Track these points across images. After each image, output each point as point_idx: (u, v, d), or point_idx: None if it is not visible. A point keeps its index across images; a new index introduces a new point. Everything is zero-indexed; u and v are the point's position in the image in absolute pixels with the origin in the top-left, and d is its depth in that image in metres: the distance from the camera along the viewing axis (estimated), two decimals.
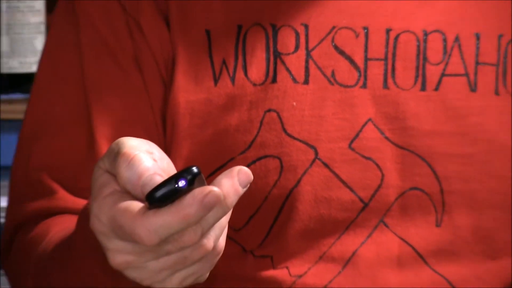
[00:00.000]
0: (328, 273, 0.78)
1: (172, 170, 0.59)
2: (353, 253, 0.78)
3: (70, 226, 0.72)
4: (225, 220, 0.60)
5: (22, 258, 0.81)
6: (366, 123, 0.79)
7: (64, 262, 0.72)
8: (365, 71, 0.80)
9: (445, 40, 0.81)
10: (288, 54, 0.79)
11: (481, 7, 0.83)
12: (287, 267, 0.77)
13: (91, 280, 0.69)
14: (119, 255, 0.60)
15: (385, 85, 0.80)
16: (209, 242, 0.60)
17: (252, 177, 0.58)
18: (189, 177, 0.56)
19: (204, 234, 0.58)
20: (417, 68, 0.80)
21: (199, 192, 0.56)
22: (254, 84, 0.79)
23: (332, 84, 0.79)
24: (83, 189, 0.79)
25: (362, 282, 0.78)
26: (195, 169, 0.55)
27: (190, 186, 0.56)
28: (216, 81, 0.80)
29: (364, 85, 0.80)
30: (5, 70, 1.38)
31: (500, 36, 0.82)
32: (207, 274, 0.64)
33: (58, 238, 0.74)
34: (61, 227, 0.76)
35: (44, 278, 0.76)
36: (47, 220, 0.79)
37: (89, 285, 0.70)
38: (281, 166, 0.78)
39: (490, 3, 0.84)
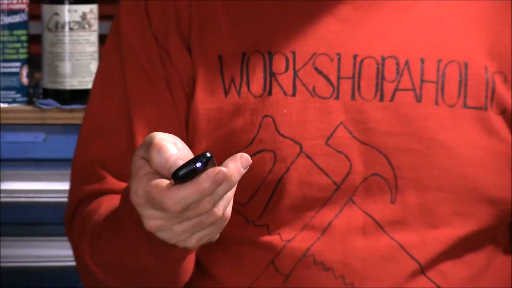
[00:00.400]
0: (310, 239, 0.76)
1: (191, 157, 0.59)
2: (329, 224, 0.77)
3: (115, 202, 0.72)
4: (231, 193, 0.61)
5: (80, 227, 0.79)
6: (338, 125, 0.77)
7: (111, 229, 0.72)
8: (338, 86, 0.78)
9: (397, 64, 0.78)
10: (280, 73, 0.78)
11: (426, 38, 0.79)
12: (279, 234, 0.76)
13: (131, 241, 0.68)
14: (152, 220, 0.61)
15: (353, 97, 0.78)
16: (219, 210, 0.60)
17: (250, 161, 0.58)
18: (204, 160, 0.57)
19: (215, 203, 0.59)
20: (377, 84, 0.78)
21: (211, 171, 0.56)
22: (255, 96, 0.78)
23: (313, 96, 0.77)
24: (125, 176, 0.72)
25: (335, 246, 0.76)
26: (208, 154, 0.55)
27: (205, 166, 0.56)
28: (226, 94, 0.78)
29: (337, 97, 0.78)
30: (68, 87, 1.36)
31: (439, 61, 0.79)
32: (218, 236, 0.64)
33: (107, 211, 0.74)
34: (109, 203, 0.76)
35: (96, 242, 0.76)
36: (99, 199, 0.78)
37: (129, 245, 0.70)
38: (275, 158, 0.76)
39: (432, 35, 0.80)
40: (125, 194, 0.66)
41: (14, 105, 1.39)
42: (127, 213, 0.65)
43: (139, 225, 0.63)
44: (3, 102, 1.38)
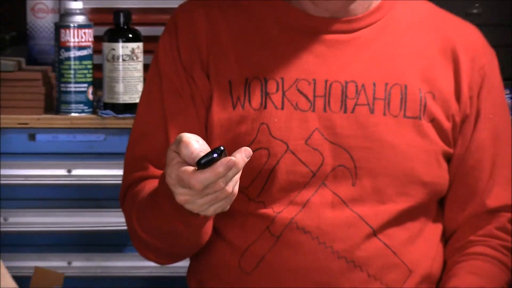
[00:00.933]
0: (294, 211, 0.76)
1: (209, 150, 0.61)
2: (307, 200, 0.76)
3: (155, 184, 0.73)
4: (237, 177, 0.62)
5: (130, 203, 0.79)
6: (314, 130, 0.77)
7: (152, 204, 0.73)
8: (314, 102, 0.77)
9: (356, 86, 0.78)
10: (273, 93, 0.77)
11: (376, 67, 0.79)
12: (272, 208, 0.75)
13: (166, 212, 0.70)
14: (181, 196, 0.63)
15: (324, 110, 0.77)
16: (229, 188, 0.61)
17: (251, 152, 0.61)
18: (219, 151, 0.58)
19: (227, 183, 0.60)
20: (342, 101, 0.77)
21: (224, 160, 0.58)
22: (254, 110, 0.77)
23: (296, 110, 0.77)
24: (162, 166, 0.71)
25: (312, 216, 0.76)
26: (222, 147, 0.58)
27: (219, 156, 0.58)
28: (234, 108, 0.78)
29: (313, 110, 0.77)
30: (121, 101, 1.36)
31: (386, 84, 0.78)
32: (228, 207, 0.66)
33: (149, 191, 0.74)
34: (150, 185, 0.75)
35: (142, 213, 0.76)
36: (143, 182, 0.78)
37: (165, 215, 0.71)
38: (269, 154, 0.76)
39: (381, 65, 0.80)
40: (162, 178, 0.67)
41: (83, 114, 1.36)
42: (163, 192, 0.66)
43: (172, 199, 0.64)
44: (75, 112, 1.36)
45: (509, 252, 0.80)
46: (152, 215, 0.73)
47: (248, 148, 0.62)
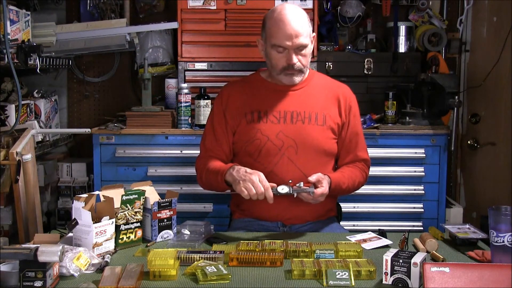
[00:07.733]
0: (271, 165, 1.14)
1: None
2: (277, 161, 1.17)
3: (215, 163, 1.14)
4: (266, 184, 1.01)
5: (202, 165, 1.23)
6: (279, 132, 1.20)
7: (216, 176, 1.17)
8: (279, 119, 1.20)
9: (297, 112, 1.19)
10: (262, 116, 1.20)
11: (305, 104, 1.12)
12: (261, 163, 1.21)
13: (220, 182, 1.15)
14: (238, 186, 1.04)
15: (284, 122, 1.21)
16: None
17: (272, 199, 0.94)
18: (276, 191, 0.89)
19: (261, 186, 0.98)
20: (291, 118, 1.15)
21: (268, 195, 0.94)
22: (255, 123, 1.21)
23: (272, 123, 1.20)
24: (214, 156, 1.23)
25: (279, 167, 1.18)
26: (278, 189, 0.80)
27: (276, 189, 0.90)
28: (248, 123, 1.23)
29: (279, 123, 1.19)
30: (201, 123, 2.00)
31: (310, 112, 1.11)
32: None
33: (213, 167, 1.18)
34: (214, 163, 1.21)
35: (208, 175, 1.20)
36: (208, 158, 1.23)
37: (220, 183, 1.16)
38: (260, 141, 1.21)
39: (307, 103, 1.09)
40: (223, 175, 1.08)
41: (187, 128, 1.98)
42: (223, 177, 1.13)
43: (223, 181, 1.11)
44: (184, 127, 1.96)
45: (364, 170, 1.33)
46: (214, 179, 1.18)
47: (271, 198, 0.97)
